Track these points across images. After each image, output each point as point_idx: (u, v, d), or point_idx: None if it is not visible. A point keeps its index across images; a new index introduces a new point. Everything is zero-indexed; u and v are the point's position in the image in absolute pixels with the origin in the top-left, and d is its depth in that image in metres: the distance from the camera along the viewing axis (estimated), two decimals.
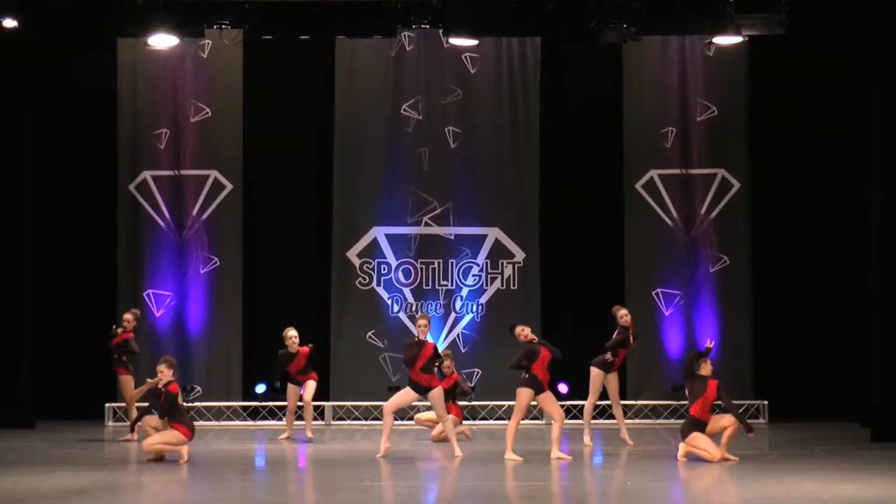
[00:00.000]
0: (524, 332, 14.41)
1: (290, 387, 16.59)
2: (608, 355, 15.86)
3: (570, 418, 17.25)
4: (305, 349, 16.48)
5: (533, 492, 12.55)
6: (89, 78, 18.66)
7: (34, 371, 17.98)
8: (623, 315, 15.85)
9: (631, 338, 15.90)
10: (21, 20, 16.14)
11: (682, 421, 15.19)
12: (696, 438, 14.06)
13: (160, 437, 14.22)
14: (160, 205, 18.67)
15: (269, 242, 18.96)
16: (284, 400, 16.94)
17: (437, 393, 14.76)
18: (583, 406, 16.29)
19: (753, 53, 18.30)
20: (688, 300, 18.54)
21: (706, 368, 14.19)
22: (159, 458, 14.30)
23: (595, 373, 15.88)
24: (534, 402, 14.57)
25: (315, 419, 17.92)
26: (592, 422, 16.17)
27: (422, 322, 14.90)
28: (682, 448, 14.22)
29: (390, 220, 18.78)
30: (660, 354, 18.49)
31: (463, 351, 18.52)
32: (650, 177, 18.76)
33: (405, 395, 14.86)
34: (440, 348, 18.48)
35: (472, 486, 12.92)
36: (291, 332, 16.42)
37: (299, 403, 16.59)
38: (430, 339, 15.11)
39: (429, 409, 16.02)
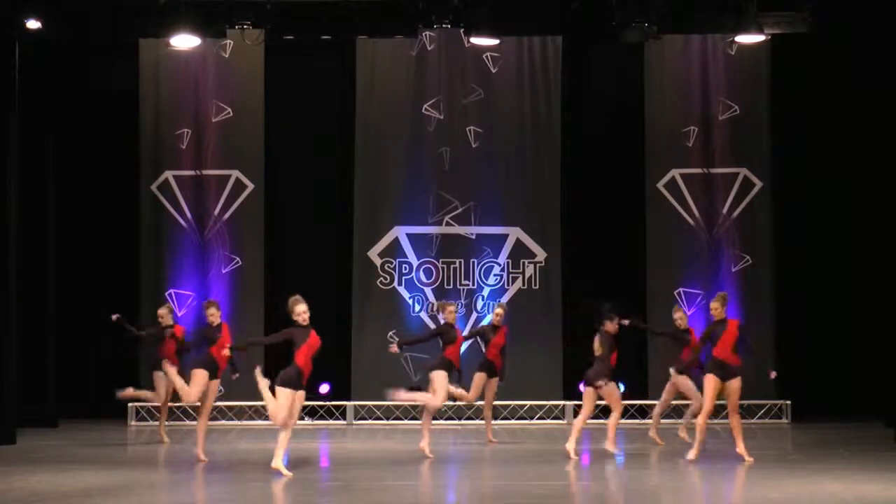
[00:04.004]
0: (611, 325, 14.54)
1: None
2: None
3: (594, 418, 17.21)
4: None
5: (554, 491, 12.54)
6: (111, 78, 18.73)
7: (57, 370, 18.03)
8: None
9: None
10: (44, 21, 16.19)
11: None
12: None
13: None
14: (182, 205, 18.72)
15: (291, 242, 18.98)
16: (307, 399, 16.78)
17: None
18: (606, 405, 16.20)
19: (776, 52, 18.24)
20: (710, 300, 18.44)
21: None
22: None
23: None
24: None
25: (336, 418, 17.93)
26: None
27: (450, 308, 15.25)
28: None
29: (412, 219, 18.79)
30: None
31: (484, 350, 18.45)
32: (672, 176, 18.72)
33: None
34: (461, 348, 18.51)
35: (496, 486, 12.92)
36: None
37: None
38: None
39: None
